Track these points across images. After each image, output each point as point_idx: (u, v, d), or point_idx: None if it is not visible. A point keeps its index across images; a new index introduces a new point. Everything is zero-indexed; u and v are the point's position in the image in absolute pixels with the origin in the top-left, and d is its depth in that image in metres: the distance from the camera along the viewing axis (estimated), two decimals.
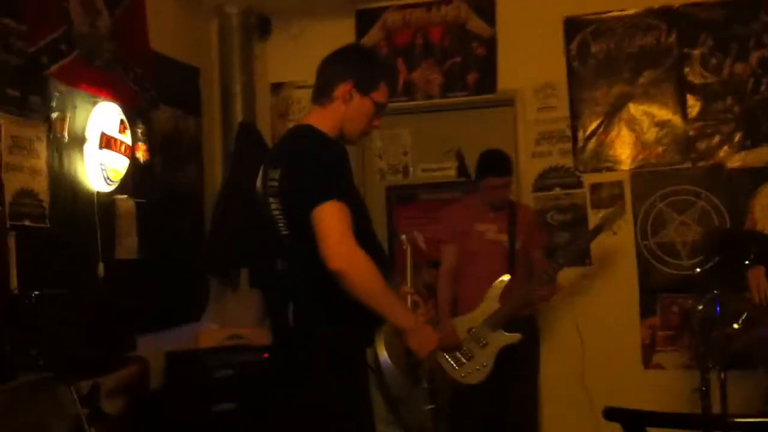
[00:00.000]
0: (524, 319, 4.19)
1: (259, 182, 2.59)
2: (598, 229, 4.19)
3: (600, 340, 4.61)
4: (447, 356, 4.18)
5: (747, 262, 3.65)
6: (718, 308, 3.77)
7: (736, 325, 3.69)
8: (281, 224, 2.52)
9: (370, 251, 2.38)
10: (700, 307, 3.82)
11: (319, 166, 2.43)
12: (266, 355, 4.03)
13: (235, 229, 4.48)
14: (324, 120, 2.58)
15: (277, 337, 3.00)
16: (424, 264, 5.00)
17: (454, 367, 4.17)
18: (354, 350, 2.45)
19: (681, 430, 1.86)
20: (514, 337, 4.08)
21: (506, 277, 4.12)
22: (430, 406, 2.59)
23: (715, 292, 3.80)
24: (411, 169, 5.16)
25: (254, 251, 4.32)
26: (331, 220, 2.34)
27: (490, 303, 4.13)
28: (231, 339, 4.38)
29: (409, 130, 5.15)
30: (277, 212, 2.51)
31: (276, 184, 2.50)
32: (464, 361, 4.14)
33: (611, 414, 1.90)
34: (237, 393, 4.00)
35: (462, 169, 5.02)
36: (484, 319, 4.12)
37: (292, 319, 2.54)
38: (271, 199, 2.52)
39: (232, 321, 4.68)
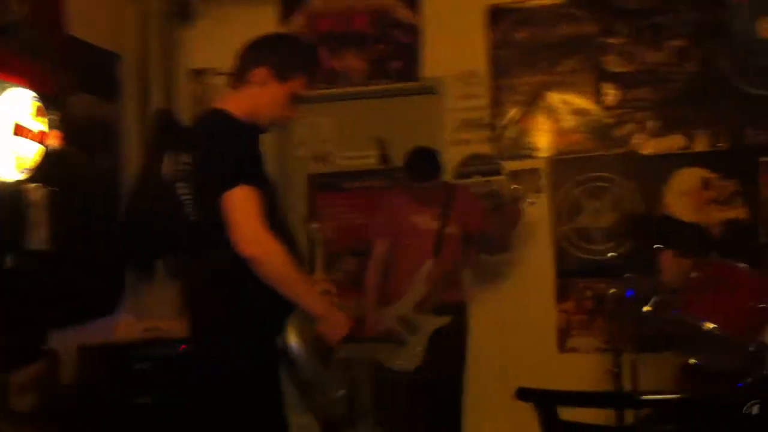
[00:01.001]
0: (455, 305, 4.24)
1: (168, 166, 2.55)
2: (516, 200, 4.25)
3: (517, 325, 4.69)
4: (378, 345, 4.20)
5: (658, 245, 3.75)
6: (629, 292, 3.86)
7: (646, 308, 3.78)
8: (189, 209, 2.48)
9: (280, 236, 2.37)
10: (612, 291, 3.91)
11: (230, 150, 2.40)
12: (183, 346, 3.97)
13: (151, 218, 4.40)
14: (238, 104, 2.55)
15: (192, 328, 2.96)
16: (346, 252, 5.02)
17: (386, 356, 4.19)
18: (265, 336, 2.44)
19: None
20: (443, 319, 4.12)
21: (429, 263, 4.17)
22: (341, 392, 2.59)
23: (627, 275, 3.90)
24: (333, 156, 5.14)
25: (170, 241, 4.25)
26: (242, 205, 2.33)
27: (418, 289, 4.16)
28: (148, 331, 4.31)
29: (331, 117, 5.13)
30: (186, 197, 2.48)
31: (186, 167, 2.46)
32: (396, 348, 4.17)
33: (524, 394, 1.94)
34: (154, 386, 3.94)
35: (384, 157, 5.03)
36: (412, 304, 4.15)
37: (203, 307, 2.51)
38: (180, 183, 2.49)
39: (149, 313, 4.60)
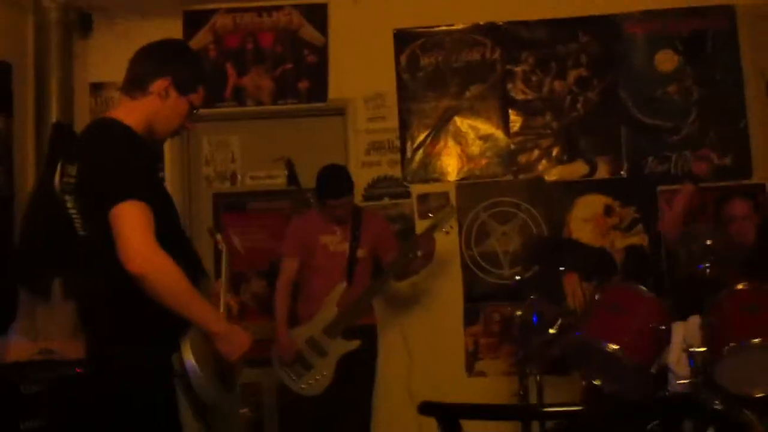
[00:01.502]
0: (364, 328, 4.18)
1: (56, 178, 2.40)
2: (432, 229, 4.24)
3: (426, 348, 4.67)
4: (286, 368, 4.10)
5: (562, 268, 3.80)
6: (535, 315, 3.90)
7: (552, 330, 3.82)
8: (77, 224, 2.35)
9: (176, 253, 2.26)
10: (519, 313, 3.93)
11: (119, 162, 2.29)
12: (78, 369, 3.77)
13: (44, 235, 4.18)
14: (132, 114, 2.43)
15: (87, 347, 2.81)
16: (253, 275, 4.91)
17: (293, 379, 4.11)
18: (158, 357, 2.31)
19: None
20: (352, 344, 4.07)
21: (342, 285, 4.12)
22: (243, 410, 2.48)
23: (532, 298, 3.93)
24: (239, 176, 5.03)
25: (64, 258, 4.05)
26: (130, 221, 2.21)
27: (328, 311, 4.10)
28: (41, 353, 4.08)
29: (238, 136, 5.03)
30: (73, 211, 2.34)
31: (73, 180, 2.32)
32: (303, 372, 4.09)
33: (426, 409, 1.90)
34: (47, 409, 3.72)
35: (292, 178, 4.94)
36: (322, 327, 4.08)
37: (97, 326, 2.37)
38: (67, 197, 2.35)
39: (43, 334, 4.36)
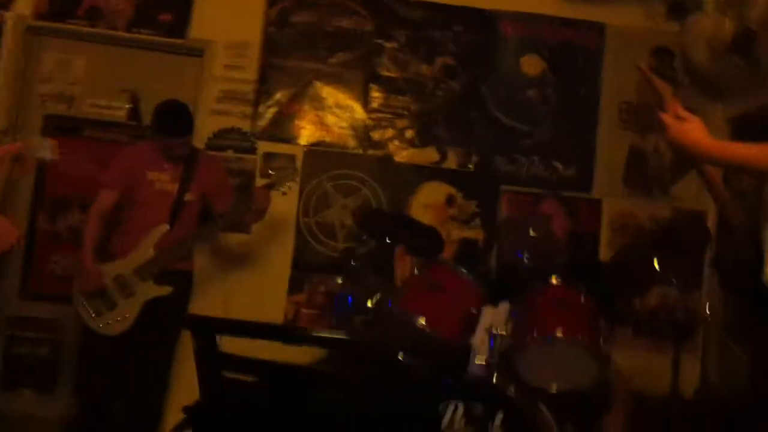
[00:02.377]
0: (180, 274, 3.98)
1: None
2: (269, 186, 4.08)
3: (245, 308, 4.49)
4: (86, 303, 3.84)
5: (389, 242, 3.73)
6: (354, 288, 3.80)
7: (369, 304, 3.74)
8: None
9: None
10: (340, 283, 3.83)
11: None
12: None
13: None
14: None
15: None
16: (76, 205, 4.62)
17: (92, 316, 3.85)
18: None
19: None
20: (163, 289, 3.86)
21: (164, 227, 3.91)
22: None
23: (353, 267, 3.84)
24: (77, 101, 4.71)
25: None
26: None
27: (144, 252, 3.88)
28: None
29: (84, 58, 4.71)
30: None
31: None
32: (104, 310, 3.84)
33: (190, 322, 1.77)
34: None
35: (134, 113, 4.69)
36: (134, 267, 3.85)
37: None
38: None
39: None
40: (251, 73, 4.73)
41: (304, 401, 1.69)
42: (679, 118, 2.11)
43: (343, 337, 1.77)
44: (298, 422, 1.63)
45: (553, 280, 3.39)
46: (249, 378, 1.73)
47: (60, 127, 4.66)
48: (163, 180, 3.99)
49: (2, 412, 4.34)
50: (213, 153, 4.54)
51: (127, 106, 4.69)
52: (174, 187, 4.00)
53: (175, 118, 3.96)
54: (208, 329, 1.72)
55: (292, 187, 4.39)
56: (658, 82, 2.35)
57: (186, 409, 1.71)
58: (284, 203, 4.51)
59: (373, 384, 2.03)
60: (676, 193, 4.87)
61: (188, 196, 4.01)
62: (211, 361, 1.66)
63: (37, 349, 4.63)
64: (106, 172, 4.05)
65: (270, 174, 4.27)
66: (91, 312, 3.85)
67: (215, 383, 1.63)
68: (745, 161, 2.09)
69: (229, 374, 1.72)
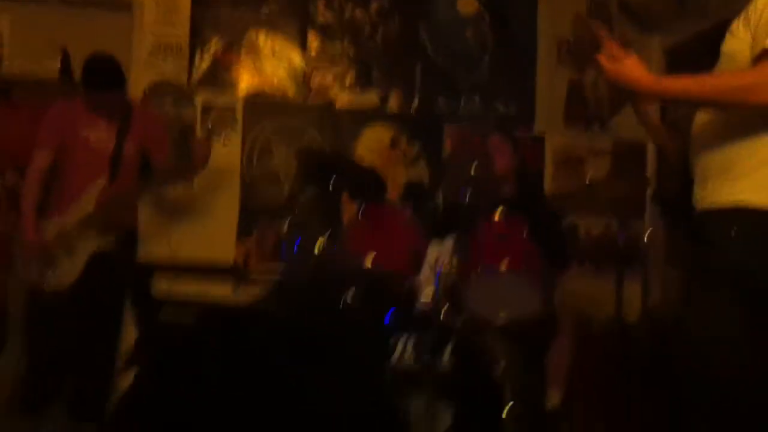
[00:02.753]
0: (124, 228, 3.92)
1: None
2: (208, 135, 4.03)
3: (193, 259, 4.45)
4: (29, 263, 3.78)
5: (332, 187, 3.72)
6: (298, 234, 3.80)
7: (315, 250, 3.74)
8: None
9: None
10: (286, 229, 3.83)
11: None
12: None
13: None
14: None
15: None
16: (9, 168, 4.51)
17: (36, 275, 3.78)
18: None
19: None
20: (104, 243, 3.79)
21: (101, 182, 3.84)
22: None
23: (300, 216, 3.84)
24: (5, 63, 4.57)
25: None
26: None
27: (84, 207, 3.81)
28: None
29: (8, 17, 4.57)
30: None
31: None
32: (47, 268, 3.77)
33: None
34: None
35: (65, 71, 4.57)
36: (74, 224, 3.78)
37: None
38: None
39: None
40: (183, 24, 4.64)
41: (240, 341, 1.70)
42: (614, 58, 2.14)
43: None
44: (237, 362, 1.64)
45: (496, 216, 3.43)
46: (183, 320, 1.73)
47: None
48: (99, 137, 3.91)
49: None
50: (148, 107, 4.46)
51: (57, 64, 4.56)
52: (110, 144, 3.92)
53: (103, 71, 3.86)
54: (142, 273, 1.71)
55: (232, 137, 4.35)
56: (592, 23, 2.39)
57: (130, 349, 1.71)
58: (227, 153, 4.47)
59: (318, 322, 2.04)
60: (615, 126, 4.94)
61: (126, 149, 3.94)
62: (145, 302, 1.66)
63: None
64: (38, 132, 3.96)
65: (208, 126, 4.20)
66: (35, 271, 3.79)
67: (150, 322, 1.63)
68: (679, 94, 2.14)
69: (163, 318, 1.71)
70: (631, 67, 2.14)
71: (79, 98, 3.99)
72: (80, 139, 3.88)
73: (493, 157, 3.92)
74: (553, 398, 3.74)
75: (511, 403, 3.16)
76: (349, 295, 3.28)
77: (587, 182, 4.77)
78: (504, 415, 3.15)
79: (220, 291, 4.35)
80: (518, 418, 3.20)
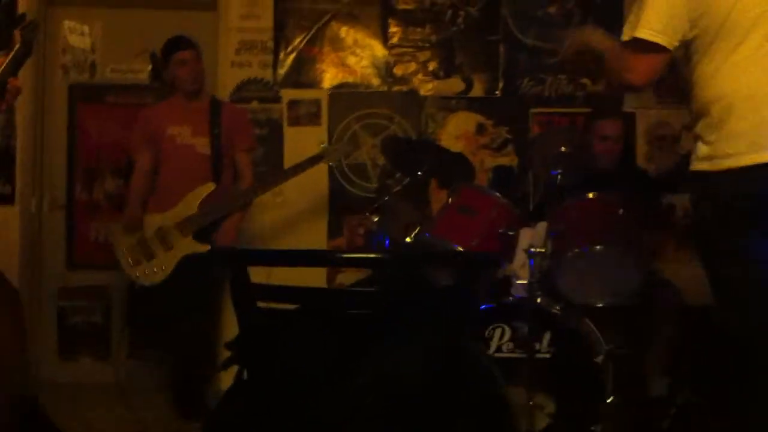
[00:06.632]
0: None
1: None
2: (317, 159, 4.06)
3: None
4: (126, 252, 3.90)
5: (420, 173, 3.69)
6: (385, 222, 3.77)
7: (408, 239, 3.72)
8: None
9: None
10: (375, 219, 3.81)
11: None
12: None
13: None
14: None
15: None
16: (108, 172, 4.67)
17: (130, 264, 3.90)
18: None
19: None
20: (202, 246, 3.87)
21: (211, 186, 3.92)
22: None
23: (389, 207, 3.81)
24: (99, 67, 4.72)
25: None
26: None
27: (187, 207, 3.90)
28: None
29: (100, 24, 4.71)
30: None
31: None
32: (143, 259, 3.89)
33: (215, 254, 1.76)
34: None
35: (156, 73, 4.68)
36: (176, 222, 3.88)
37: None
38: None
39: None
40: (267, 20, 4.68)
41: (342, 324, 1.68)
42: None
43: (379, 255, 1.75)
44: (339, 345, 1.63)
45: (590, 195, 3.34)
46: (284, 306, 1.73)
47: (85, 96, 4.69)
48: (184, 134, 3.98)
49: (60, 383, 4.44)
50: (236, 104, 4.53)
51: (148, 67, 4.68)
52: (199, 140, 3.98)
53: (177, 38, 4.00)
54: (238, 261, 1.72)
55: (318, 131, 4.37)
56: None
57: (228, 345, 1.73)
58: (313, 149, 4.49)
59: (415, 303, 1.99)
60: None
61: (223, 150, 4.00)
62: (244, 293, 1.67)
63: (90, 317, 4.74)
64: (132, 137, 4.11)
65: (321, 146, 4.19)
66: (130, 261, 3.90)
67: (250, 314, 1.64)
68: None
69: (264, 304, 1.71)
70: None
71: (169, 99, 4.09)
72: (167, 138, 3.96)
73: (595, 135, 3.82)
74: (658, 386, 3.61)
75: (613, 391, 3.07)
76: (445, 275, 3.20)
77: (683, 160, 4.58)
78: (608, 405, 3.06)
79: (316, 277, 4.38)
80: (621, 408, 3.11)
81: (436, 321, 1.63)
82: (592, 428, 3.03)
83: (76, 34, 4.68)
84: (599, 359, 3.08)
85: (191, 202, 3.91)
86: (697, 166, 2.28)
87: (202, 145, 3.98)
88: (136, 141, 4.06)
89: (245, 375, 1.69)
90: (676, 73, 4.80)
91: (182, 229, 3.89)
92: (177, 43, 3.97)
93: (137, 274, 3.87)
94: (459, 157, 3.92)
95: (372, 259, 2.06)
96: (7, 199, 4.44)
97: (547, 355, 3.14)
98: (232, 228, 3.96)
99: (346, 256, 1.74)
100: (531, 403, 3.00)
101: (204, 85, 4.08)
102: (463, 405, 1.65)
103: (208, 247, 3.89)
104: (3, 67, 2.44)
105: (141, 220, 3.92)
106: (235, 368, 1.70)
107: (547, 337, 3.15)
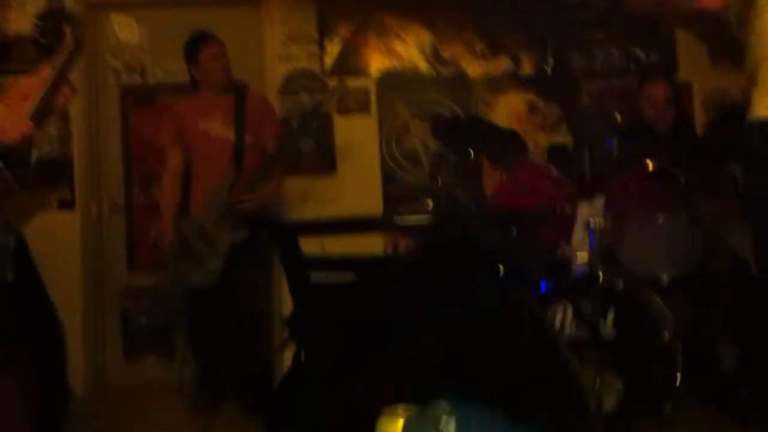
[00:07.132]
0: (258, 218, 3.97)
1: None
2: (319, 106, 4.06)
3: (342, 245, 4.49)
4: (176, 264, 3.91)
5: (472, 151, 3.61)
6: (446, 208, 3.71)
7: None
8: None
9: None
10: (430, 202, 3.77)
11: None
12: None
13: None
14: None
15: None
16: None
17: (185, 274, 3.91)
18: None
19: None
20: (240, 234, 3.85)
21: (232, 174, 3.90)
22: None
23: (443, 189, 3.77)
24: (149, 69, 4.77)
25: None
26: None
27: (218, 201, 3.88)
28: None
29: (147, 26, 4.75)
30: None
31: None
32: (193, 264, 3.89)
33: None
34: None
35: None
36: (212, 219, 3.87)
37: None
38: None
39: None
40: (311, 11, 4.67)
41: (391, 293, 1.65)
42: None
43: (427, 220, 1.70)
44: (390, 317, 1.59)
45: (649, 163, 3.24)
46: (335, 280, 1.71)
47: (137, 98, 4.74)
48: (216, 127, 3.97)
49: (127, 384, 4.49)
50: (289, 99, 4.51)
51: None
52: (228, 132, 3.96)
53: (198, 31, 3.99)
54: (287, 232, 1.70)
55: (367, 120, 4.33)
56: None
57: (285, 322, 1.71)
58: (365, 136, 4.48)
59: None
60: None
61: (247, 139, 3.95)
62: (296, 264, 1.64)
63: (154, 317, 4.78)
64: (162, 134, 4.10)
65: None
66: (183, 270, 3.91)
67: (304, 286, 1.62)
68: None
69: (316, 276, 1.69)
70: None
71: (195, 94, 4.06)
72: (199, 133, 3.95)
73: (643, 99, 3.71)
74: (730, 360, 3.48)
75: (683, 368, 2.96)
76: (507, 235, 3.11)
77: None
78: (678, 383, 2.95)
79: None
80: (693, 385, 3.01)
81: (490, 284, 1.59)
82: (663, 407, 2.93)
83: (126, 30, 4.71)
84: (667, 334, 2.99)
85: (220, 196, 3.87)
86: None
87: (231, 136, 3.95)
88: (164, 139, 4.06)
89: (302, 356, 1.67)
90: (730, 36, 4.69)
91: (218, 223, 3.86)
92: (203, 38, 3.95)
93: (195, 279, 3.87)
94: (510, 133, 3.84)
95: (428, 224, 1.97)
96: (67, 205, 4.51)
97: (613, 334, 3.06)
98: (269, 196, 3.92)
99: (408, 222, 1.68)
100: (599, 385, 2.92)
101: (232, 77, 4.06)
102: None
103: (247, 233, 3.85)
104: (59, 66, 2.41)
105: (173, 235, 3.93)
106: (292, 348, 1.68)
107: (611, 314, 3.07)
